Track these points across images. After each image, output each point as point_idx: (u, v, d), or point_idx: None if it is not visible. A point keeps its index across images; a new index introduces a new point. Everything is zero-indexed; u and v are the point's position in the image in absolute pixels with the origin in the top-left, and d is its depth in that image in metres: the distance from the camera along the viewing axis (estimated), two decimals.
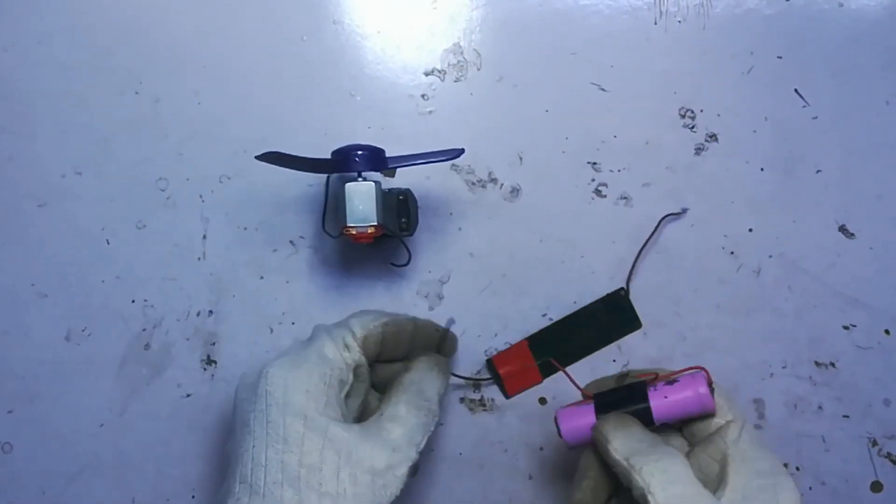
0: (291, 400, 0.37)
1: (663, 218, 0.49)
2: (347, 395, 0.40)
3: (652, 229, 0.50)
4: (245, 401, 0.38)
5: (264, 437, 0.36)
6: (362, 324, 0.41)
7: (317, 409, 0.37)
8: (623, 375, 0.43)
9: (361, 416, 0.42)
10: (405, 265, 0.49)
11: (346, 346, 0.40)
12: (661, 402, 0.39)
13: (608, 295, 0.49)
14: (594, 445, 0.39)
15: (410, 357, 0.44)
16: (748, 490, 0.36)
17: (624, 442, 0.37)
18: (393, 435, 0.38)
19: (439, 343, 0.45)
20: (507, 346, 0.49)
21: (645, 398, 0.39)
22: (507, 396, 0.49)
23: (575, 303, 0.50)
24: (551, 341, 0.49)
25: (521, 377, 0.49)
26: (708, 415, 0.39)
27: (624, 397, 0.40)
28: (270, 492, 0.35)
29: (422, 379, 0.42)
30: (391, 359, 0.44)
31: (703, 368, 0.39)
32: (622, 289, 0.49)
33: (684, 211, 0.50)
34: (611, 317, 0.49)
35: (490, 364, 0.49)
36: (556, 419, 0.41)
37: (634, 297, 0.50)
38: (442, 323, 0.46)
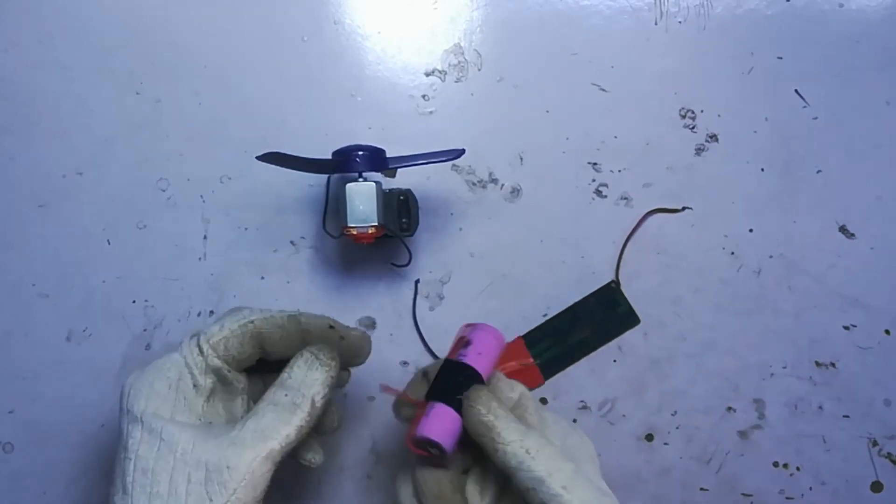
0: (132, 406, 0.37)
1: (651, 211, 0.49)
2: (222, 400, 0.40)
3: (651, 229, 0.50)
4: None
5: (117, 447, 0.37)
6: (221, 326, 0.39)
7: (155, 412, 0.36)
8: (424, 373, 0.41)
9: None
10: (406, 265, 0.49)
11: (200, 350, 0.39)
12: (478, 358, 0.39)
13: (600, 289, 0.49)
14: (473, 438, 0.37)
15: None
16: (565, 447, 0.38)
17: (510, 434, 0.37)
18: (239, 431, 0.36)
19: (341, 342, 0.40)
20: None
21: (468, 367, 0.39)
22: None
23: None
24: (548, 339, 0.49)
25: (520, 376, 0.49)
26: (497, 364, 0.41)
27: (454, 379, 0.39)
28: (113, 503, 0.36)
29: (293, 374, 0.39)
30: (284, 358, 0.40)
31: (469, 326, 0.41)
32: (613, 281, 0.49)
33: (683, 209, 0.50)
34: (606, 312, 0.49)
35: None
36: (427, 440, 0.37)
37: (635, 298, 0.50)
38: (353, 322, 0.43)
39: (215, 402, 0.40)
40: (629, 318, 0.49)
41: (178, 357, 0.39)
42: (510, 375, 0.42)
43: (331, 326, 0.40)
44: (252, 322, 0.39)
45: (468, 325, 0.41)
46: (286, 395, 0.38)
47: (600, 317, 0.49)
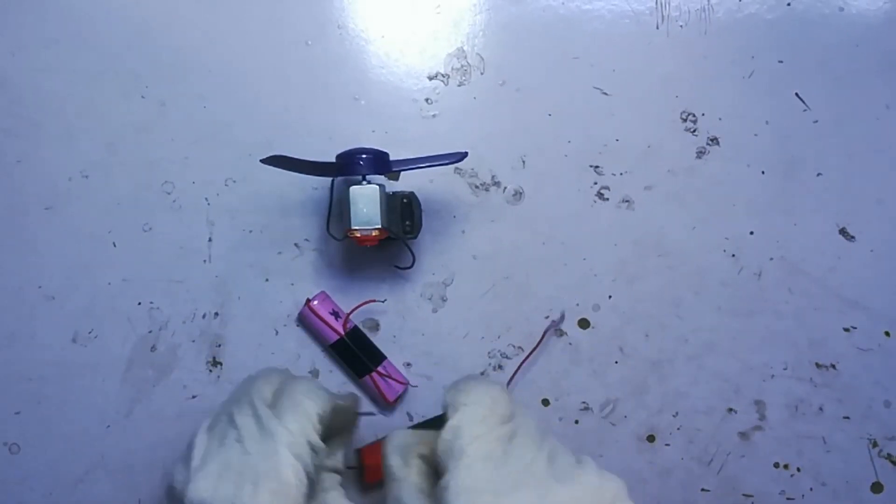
0: None
1: (548, 329, 0.50)
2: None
3: (652, 232, 0.50)
4: None
5: None
6: (312, 418, 0.37)
7: None
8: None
9: None
10: (409, 268, 0.49)
11: (314, 450, 0.37)
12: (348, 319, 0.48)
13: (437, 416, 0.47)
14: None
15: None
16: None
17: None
18: None
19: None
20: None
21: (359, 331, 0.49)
22: (365, 482, 0.48)
23: (578, 304, 0.50)
24: None
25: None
26: None
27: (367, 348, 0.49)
28: None
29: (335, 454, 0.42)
30: None
31: None
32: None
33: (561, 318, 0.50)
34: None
35: (358, 453, 0.48)
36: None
37: (636, 299, 0.50)
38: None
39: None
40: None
41: (300, 466, 0.36)
42: (371, 467, 0.47)
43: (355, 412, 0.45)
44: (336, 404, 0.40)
45: (314, 302, 0.48)
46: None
47: None
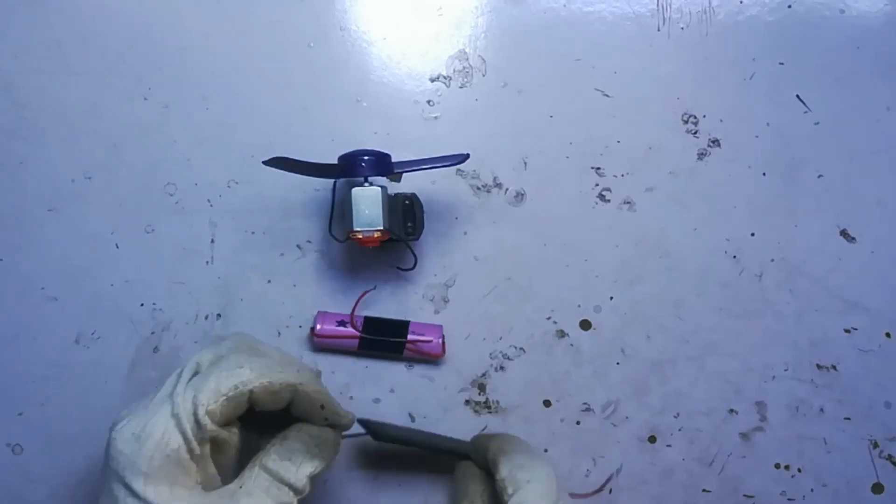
0: (131, 482, 0.36)
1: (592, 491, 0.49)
2: (213, 456, 0.39)
3: (653, 233, 0.50)
4: (104, 455, 0.38)
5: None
6: (214, 393, 0.37)
7: (156, 488, 0.36)
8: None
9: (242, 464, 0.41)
10: (411, 269, 0.50)
11: (197, 422, 0.37)
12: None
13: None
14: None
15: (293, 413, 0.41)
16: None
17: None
18: None
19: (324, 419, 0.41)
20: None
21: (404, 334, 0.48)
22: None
23: (579, 306, 0.50)
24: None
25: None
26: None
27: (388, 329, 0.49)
28: None
29: (292, 456, 0.39)
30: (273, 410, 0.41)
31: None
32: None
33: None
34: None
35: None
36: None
37: (637, 300, 0.50)
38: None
39: (207, 462, 0.39)
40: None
41: (174, 427, 0.37)
42: None
43: (322, 406, 0.40)
44: (251, 390, 0.38)
45: (318, 327, 0.48)
46: (286, 483, 0.38)
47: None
